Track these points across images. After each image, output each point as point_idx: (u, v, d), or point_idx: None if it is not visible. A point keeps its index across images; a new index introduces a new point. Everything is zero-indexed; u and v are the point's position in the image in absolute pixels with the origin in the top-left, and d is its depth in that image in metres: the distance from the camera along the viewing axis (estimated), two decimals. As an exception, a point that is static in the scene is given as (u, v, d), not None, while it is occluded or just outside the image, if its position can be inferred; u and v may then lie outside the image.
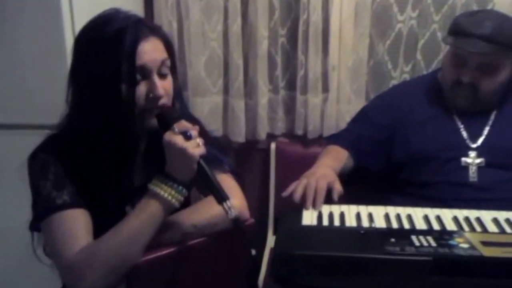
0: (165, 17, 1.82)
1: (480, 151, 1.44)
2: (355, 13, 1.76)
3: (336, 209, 1.26)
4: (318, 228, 1.16)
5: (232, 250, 1.07)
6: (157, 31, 1.02)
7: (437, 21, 1.76)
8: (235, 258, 1.08)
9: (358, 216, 1.22)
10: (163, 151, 0.97)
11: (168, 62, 1.03)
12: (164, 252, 0.99)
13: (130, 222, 0.96)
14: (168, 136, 0.95)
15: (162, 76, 1.01)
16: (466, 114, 1.48)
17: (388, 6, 1.78)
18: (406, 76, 1.82)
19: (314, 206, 1.25)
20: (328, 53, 1.81)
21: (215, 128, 1.93)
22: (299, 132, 1.91)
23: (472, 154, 1.45)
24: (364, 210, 1.25)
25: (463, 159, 1.45)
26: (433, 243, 1.04)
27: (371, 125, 1.57)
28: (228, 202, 0.95)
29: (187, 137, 0.94)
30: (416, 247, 1.02)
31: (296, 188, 1.28)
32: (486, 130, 1.46)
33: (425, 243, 1.04)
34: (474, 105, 1.45)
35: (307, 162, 1.95)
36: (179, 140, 0.94)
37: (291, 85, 1.91)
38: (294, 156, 1.95)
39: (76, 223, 0.98)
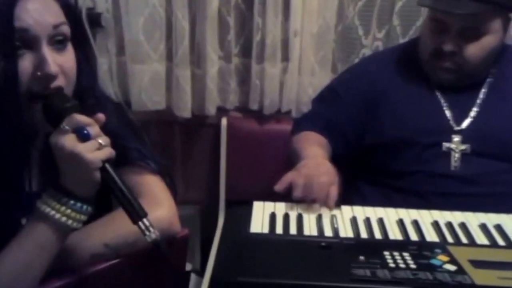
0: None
1: (465, 135, 1.24)
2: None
3: (293, 208, 1.04)
4: (270, 240, 0.93)
5: (157, 274, 0.82)
6: None
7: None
8: (162, 282, 0.84)
9: (319, 219, 1.00)
10: None
11: (66, 28, 0.76)
12: (66, 281, 0.74)
13: (13, 254, 0.71)
14: (55, 137, 0.69)
15: (58, 47, 0.74)
16: (450, 91, 1.27)
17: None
18: (379, 44, 1.58)
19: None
20: (289, 16, 1.53)
21: (157, 100, 1.65)
22: (254, 106, 1.65)
23: (456, 138, 1.24)
24: (326, 211, 1.03)
25: (445, 144, 1.25)
26: (411, 263, 0.83)
27: (343, 105, 1.36)
28: (145, 221, 0.71)
29: (83, 136, 0.69)
30: (391, 269, 0.81)
31: (296, 185, 1.04)
32: (473, 111, 1.26)
33: (401, 263, 0.83)
34: (458, 79, 1.24)
35: (263, 140, 1.72)
36: (69, 141, 0.68)
37: (245, 53, 1.64)
38: (248, 133, 1.71)
39: None
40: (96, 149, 0.69)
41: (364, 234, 0.96)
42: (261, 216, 1.00)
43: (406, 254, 0.86)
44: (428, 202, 1.21)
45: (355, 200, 1.26)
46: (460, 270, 0.81)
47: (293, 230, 0.96)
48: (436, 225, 1.00)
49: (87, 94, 0.83)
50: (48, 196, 0.71)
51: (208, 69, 1.58)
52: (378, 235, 0.96)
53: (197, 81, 1.62)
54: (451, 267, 0.82)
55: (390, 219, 1.02)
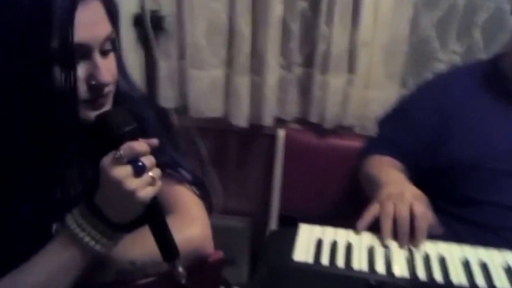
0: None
1: None
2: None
3: (342, 236, 0.93)
4: (313, 271, 0.83)
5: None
6: None
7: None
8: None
9: (370, 252, 0.88)
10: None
11: (113, 36, 0.71)
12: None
13: (36, 272, 0.67)
14: (109, 164, 0.63)
15: (104, 53, 0.70)
16: None
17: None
18: (457, 59, 1.42)
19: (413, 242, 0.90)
20: (358, 25, 1.43)
21: (215, 107, 1.60)
22: (314, 119, 1.55)
23: None
24: (378, 243, 0.91)
25: None
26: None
27: (414, 128, 1.21)
28: (177, 263, 0.65)
29: (138, 170, 0.63)
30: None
31: (383, 221, 0.91)
32: None
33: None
34: None
35: (321, 155, 1.62)
36: (123, 175, 0.62)
37: (309, 62, 1.54)
38: (306, 147, 1.61)
39: None
40: (149, 185, 0.63)
41: (421, 274, 0.83)
42: (306, 242, 0.91)
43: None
44: (500, 238, 1.05)
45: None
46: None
47: (340, 261, 0.86)
48: (509, 270, 0.85)
49: (124, 98, 0.78)
50: (80, 215, 0.65)
51: (267, 77, 1.51)
52: (438, 276, 0.83)
53: (255, 90, 1.55)
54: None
55: (453, 257, 0.88)
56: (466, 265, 0.86)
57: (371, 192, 1.05)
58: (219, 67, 1.55)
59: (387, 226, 0.90)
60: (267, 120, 1.56)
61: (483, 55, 1.38)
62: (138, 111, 0.76)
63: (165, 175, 0.79)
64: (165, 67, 1.59)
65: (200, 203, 0.81)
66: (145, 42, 1.60)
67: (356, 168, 1.28)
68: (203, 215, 0.79)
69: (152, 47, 1.57)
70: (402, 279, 0.81)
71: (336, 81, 1.49)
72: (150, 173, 0.64)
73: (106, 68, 0.69)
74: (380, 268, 0.84)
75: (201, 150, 1.74)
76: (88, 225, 0.65)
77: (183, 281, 0.64)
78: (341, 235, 0.93)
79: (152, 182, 0.64)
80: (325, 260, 0.85)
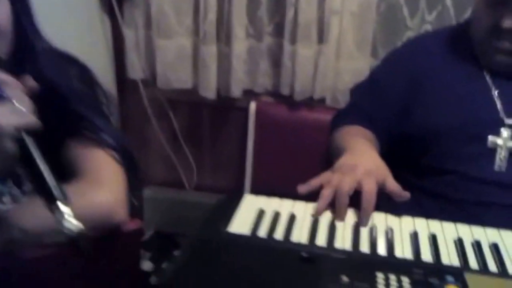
0: None
1: None
2: None
3: (287, 207, 0.87)
4: (245, 244, 0.77)
5: (97, 272, 0.69)
6: None
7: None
8: (107, 283, 0.71)
9: (314, 225, 0.82)
10: None
11: None
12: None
13: None
14: None
15: None
16: (504, 80, 1.03)
17: None
18: (428, 28, 1.34)
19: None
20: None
21: (183, 78, 1.53)
22: (285, 91, 1.48)
23: (505, 133, 1.00)
24: (325, 216, 0.85)
25: (491, 138, 1.00)
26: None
27: (386, 97, 1.13)
28: (60, 206, 0.56)
29: None
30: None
31: (323, 191, 0.85)
32: None
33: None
34: None
35: (293, 129, 1.54)
36: None
37: (279, 32, 1.47)
38: (277, 120, 1.54)
39: None
40: (11, 113, 0.56)
41: (364, 248, 0.77)
42: (247, 213, 0.85)
43: (405, 279, 0.67)
44: (464, 212, 0.99)
45: (381, 205, 1.06)
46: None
47: (279, 234, 0.80)
48: (460, 244, 0.79)
49: (28, 54, 0.71)
50: None
51: (235, 46, 1.44)
52: (381, 250, 0.77)
53: (223, 60, 1.48)
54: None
55: (402, 231, 0.82)
56: (415, 238, 0.80)
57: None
58: (186, 36, 1.48)
59: (324, 197, 0.83)
60: (236, 92, 1.49)
61: (454, 23, 1.30)
62: (53, 72, 0.70)
63: (82, 138, 0.73)
64: (131, 37, 1.52)
65: (117, 169, 0.73)
66: (110, 11, 1.52)
67: (328, 140, 1.22)
68: (118, 181, 0.72)
69: (116, 14, 1.50)
70: (340, 251, 0.75)
71: (306, 51, 1.41)
72: (16, 103, 0.57)
73: None
74: (321, 241, 0.78)
75: (173, 123, 1.69)
76: None
77: (73, 233, 0.56)
78: (286, 207, 0.87)
79: (15, 114, 0.57)
80: (262, 232, 0.79)
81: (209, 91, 1.48)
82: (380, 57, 1.37)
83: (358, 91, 1.24)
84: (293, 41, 1.40)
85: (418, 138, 1.07)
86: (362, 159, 0.94)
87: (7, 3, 0.64)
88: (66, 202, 0.56)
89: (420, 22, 1.33)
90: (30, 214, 0.65)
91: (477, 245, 0.77)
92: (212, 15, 1.40)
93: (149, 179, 1.78)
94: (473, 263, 0.73)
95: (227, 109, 1.61)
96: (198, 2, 1.41)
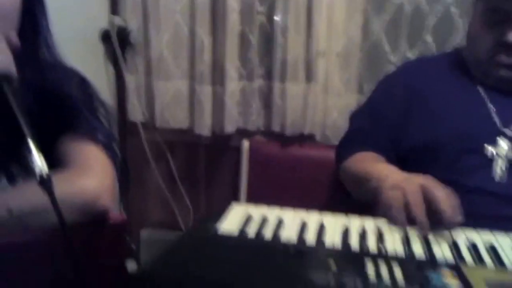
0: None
1: None
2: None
3: (275, 213, 0.81)
4: (233, 242, 0.70)
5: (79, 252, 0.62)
6: None
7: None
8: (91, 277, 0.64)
9: (302, 228, 0.76)
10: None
11: None
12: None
13: None
14: None
15: None
16: (498, 96, 1.00)
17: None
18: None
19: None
20: (312, 35, 1.36)
21: (180, 118, 1.51)
22: (277, 128, 1.46)
23: (503, 143, 0.96)
24: (312, 219, 0.79)
25: (490, 148, 0.96)
26: (400, 278, 0.56)
27: (385, 118, 1.09)
28: (29, 142, 0.51)
29: None
30: (367, 281, 0.55)
31: (392, 210, 0.77)
32: None
33: (385, 277, 0.56)
34: None
35: (284, 165, 1.50)
36: None
37: (269, 74, 1.47)
38: (269, 158, 1.50)
39: None
40: None
41: (353, 244, 0.70)
42: (236, 217, 0.79)
43: (397, 269, 0.60)
44: (465, 224, 0.92)
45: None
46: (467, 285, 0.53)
47: (268, 234, 0.73)
48: (454, 246, 0.72)
49: (45, 66, 0.71)
50: None
51: (228, 86, 1.43)
52: (372, 246, 0.70)
53: (217, 99, 1.47)
54: (455, 285, 0.54)
55: (394, 234, 0.76)
56: (406, 240, 0.73)
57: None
58: (182, 78, 1.48)
59: (398, 215, 0.75)
60: (229, 129, 1.46)
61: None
62: (57, 79, 0.70)
63: (76, 133, 0.71)
64: (132, 81, 1.53)
65: (106, 162, 0.70)
66: (113, 57, 1.54)
67: (336, 172, 1.15)
68: (106, 171, 0.68)
69: (120, 61, 1.52)
70: (330, 249, 0.68)
71: (295, 89, 1.41)
72: None
73: None
74: (310, 241, 0.71)
75: (170, 164, 1.64)
76: None
77: (41, 170, 0.50)
78: (274, 212, 0.81)
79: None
80: (251, 233, 0.73)
81: (204, 129, 1.46)
82: (366, 93, 1.37)
83: (357, 116, 1.19)
84: (283, 80, 1.40)
85: (417, 153, 1.03)
86: (409, 175, 0.87)
87: None
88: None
89: (401, 57, 1.33)
90: (19, 195, 0.60)
91: (473, 247, 0.70)
92: (207, 58, 1.41)
93: (146, 221, 1.70)
94: (469, 259, 0.66)
95: (221, 148, 1.57)
96: (194, 46, 1.43)
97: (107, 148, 0.72)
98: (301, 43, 1.37)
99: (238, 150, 1.54)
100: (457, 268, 0.60)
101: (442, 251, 0.68)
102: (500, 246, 0.70)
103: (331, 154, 1.40)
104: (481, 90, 1.02)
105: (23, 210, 0.59)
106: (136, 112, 1.55)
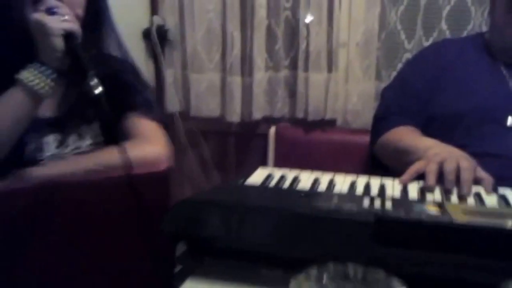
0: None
1: None
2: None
3: (293, 173, 0.93)
4: (255, 187, 0.83)
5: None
6: None
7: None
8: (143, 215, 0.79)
9: (315, 181, 0.88)
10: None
11: None
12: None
13: None
14: (32, 15, 0.77)
15: None
16: None
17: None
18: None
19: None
20: (333, 28, 1.49)
21: (212, 107, 1.67)
22: (300, 114, 1.58)
23: None
24: (327, 177, 0.91)
25: (510, 119, 1.05)
26: (389, 205, 0.68)
27: (416, 91, 1.17)
28: (90, 74, 0.74)
29: (49, 12, 0.77)
30: (361, 207, 0.67)
31: (428, 173, 0.82)
32: None
33: (377, 206, 0.68)
34: None
35: (308, 150, 1.63)
36: (38, 15, 0.76)
37: (294, 64, 1.60)
38: (293, 142, 1.63)
39: None
40: (60, 21, 0.75)
41: (359, 192, 0.82)
42: (259, 175, 0.91)
43: (389, 203, 0.71)
44: None
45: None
46: (444, 213, 0.64)
47: (285, 185, 0.85)
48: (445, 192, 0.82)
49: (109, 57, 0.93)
50: (27, 70, 0.77)
51: (255, 77, 1.58)
52: (374, 191, 0.81)
53: (246, 89, 1.62)
54: (434, 211, 0.65)
55: (394, 186, 0.86)
56: (404, 188, 0.84)
57: (407, 164, 0.91)
58: (214, 70, 1.64)
59: (430, 178, 0.81)
60: (257, 115, 1.60)
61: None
62: (119, 66, 0.95)
63: (139, 112, 0.93)
64: (170, 75, 1.69)
65: (163, 134, 0.92)
66: (153, 53, 1.72)
67: (373, 146, 1.22)
68: (164, 141, 0.91)
69: (159, 57, 1.69)
70: (336, 193, 0.80)
71: (317, 77, 1.53)
72: (65, 16, 0.76)
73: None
74: (321, 189, 0.83)
75: (204, 151, 1.80)
76: (26, 70, 0.77)
77: (97, 91, 0.72)
78: (292, 173, 0.94)
79: (63, 22, 0.75)
80: (271, 184, 0.86)
81: (234, 116, 1.60)
82: (384, 80, 1.47)
83: (389, 92, 1.26)
84: (306, 69, 1.53)
85: (442, 121, 1.11)
86: (452, 148, 0.95)
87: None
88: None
89: (418, 45, 1.43)
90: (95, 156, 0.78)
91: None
92: (236, 51, 1.56)
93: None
94: (454, 199, 0.76)
95: (249, 135, 1.71)
96: (225, 41, 1.59)
97: (160, 123, 0.90)
98: (323, 35, 1.49)
99: (265, 136, 1.67)
100: (441, 203, 0.71)
101: (433, 196, 0.79)
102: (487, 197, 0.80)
103: (351, 138, 1.52)
104: (503, 69, 1.11)
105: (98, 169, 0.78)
106: (173, 102, 1.71)
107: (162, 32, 1.66)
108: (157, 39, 1.65)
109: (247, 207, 0.66)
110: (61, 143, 0.88)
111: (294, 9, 1.54)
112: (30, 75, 0.77)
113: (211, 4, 1.58)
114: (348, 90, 1.52)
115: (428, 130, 1.13)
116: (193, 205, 0.69)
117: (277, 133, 1.64)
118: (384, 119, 1.20)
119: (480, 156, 0.95)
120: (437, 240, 0.58)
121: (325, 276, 0.58)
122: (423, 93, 1.16)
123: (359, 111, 1.49)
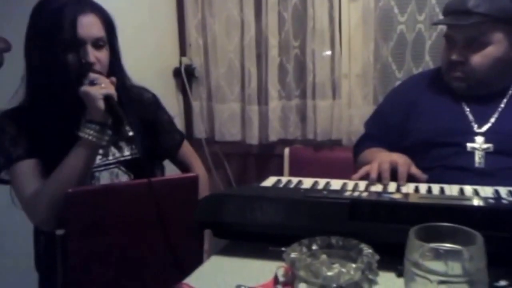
0: (193, 36, 1.91)
1: (488, 137, 1.23)
2: (362, 20, 1.68)
3: (297, 178, 1.15)
4: (266, 187, 1.05)
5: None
6: (97, 9, 1.06)
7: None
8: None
9: (315, 182, 1.09)
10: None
11: (104, 38, 1.06)
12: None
13: (63, 163, 1.02)
14: (80, 89, 1.00)
15: (97, 47, 1.05)
16: (473, 101, 1.28)
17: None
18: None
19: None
20: (335, 61, 1.73)
21: (234, 132, 1.91)
22: (310, 135, 1.81)
23: (479, 139, 1.25)
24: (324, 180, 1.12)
25: (469, 144, 1.24)
26: (364, 194, 0.89)
27: (389, 123, 1.41)
28: (125, 124, 0.97)
29: (92, 84, 1.00)
30: (340, 193, 0.88)
31: (369, 168, 1.11)
32: (494, 117, 1.25)
33: (355, 194, 0.89)
34: (470, 87, 1.26)
35: (319, 166, 1.84)
36: (84, 87, 0.99)
37: (303, 94, 1.84)
38: (305, 161, 1.85)
39: (29, 171, 1.04)
40: (100, 89, 0.98)
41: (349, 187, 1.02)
42: (272, 180, 1.13)
43: (365, 193, 0.91)
44: None
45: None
46: (405, 198, 0.85)
47: (306, 185, 1.05)
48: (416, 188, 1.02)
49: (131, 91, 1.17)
50: (83, 127, 1.01)
51: (270, 105, 1.82)
52: (360, 188, 1.02)
53: (263, 116, 1.86)
54: (398, 196, 0.86)
55: (378, 186, 1.07)
56: (398, 187, 1.04)
57: None
58: (235, 101, 1.89)
59: (372, 174, 1.10)
60: (273, 138, 1.84)
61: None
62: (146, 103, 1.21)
63: (182, 146, 1.25)
64: (197, 106, 1.96)
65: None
66: (182, 88, 1.99)
67: (355, 161, 1.47)
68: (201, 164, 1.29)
69: (187, 91, 1.96)
70: (329, 189, 1.01)
71: (323, 104, 1.77)
72: (102, 85, 0.99)
73: (94, 55, 1.03)
74: (320, 186, 1.05)
75: (227, 171, 2.03)
76: (83, 128, 1.00)
77: (130, 134, 0.96)
78: (296, 178, 1.15)
79: (102, 88, 0.98)
80: (280, 185, 1.07)
81: (253, 139, 1.84)
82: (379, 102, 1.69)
83: (368, 123, 1.51)
84: (314, 97, 1.76)
85: (413, 148, 1.31)
86: (390, 154, 1.21)
87: (107, 52, 1.08)
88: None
89: (407, 75, 1.66)
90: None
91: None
92: (253, 84, 1.81)
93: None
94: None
95: (267, 156, 1.94)
96: (244, 75, 1.85)
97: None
98: (327, 68, 1.74)
99: (280, 156, 1.90)
100: (406, 194, 0.91)
101: (407, 188, 0.99)
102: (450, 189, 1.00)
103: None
104: (461, 100, 1.30)
105: None
106: (200, 130, 1.97)
107: (189, 70, 1.93)
108: (185, 77, 1.92)
109: (258, 197, 0.88)
110: (104, 155, 1.12)
111: (302, 48, 1.80)
112: (84, 131, 1.00)
113: (231, 45, 1.85)
114: (350, 114, 1.74)
115: (412, 154, 1.29)
116: (217, 198, 0.92)
117: (291, 153, 1.86)
118: (361, 144, 1.47)
119: (448, 170, 1.20)
120: (396, 215, 0.79)
121: (314, 245, 0.79)
122: (396, 124, 1.39)
123: (361, 132, 1.70)
